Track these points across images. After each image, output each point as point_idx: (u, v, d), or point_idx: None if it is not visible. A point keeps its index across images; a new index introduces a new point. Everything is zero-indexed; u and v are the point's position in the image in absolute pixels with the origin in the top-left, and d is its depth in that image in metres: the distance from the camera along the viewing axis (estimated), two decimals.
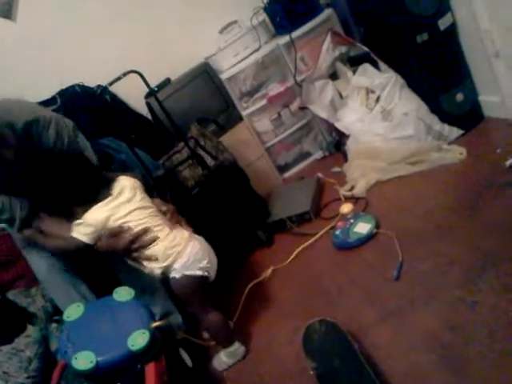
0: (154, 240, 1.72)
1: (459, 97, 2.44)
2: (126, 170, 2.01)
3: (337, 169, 2.82)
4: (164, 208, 1.85)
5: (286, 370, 1.74)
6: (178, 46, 3.01)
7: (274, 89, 3.02)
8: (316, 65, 2.80)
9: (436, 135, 2.43)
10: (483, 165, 2.16)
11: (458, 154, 2.30)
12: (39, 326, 1.90)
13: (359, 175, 2.54)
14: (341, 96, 2.82)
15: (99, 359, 1.43)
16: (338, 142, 2.99)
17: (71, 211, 1.71)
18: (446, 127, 2.45)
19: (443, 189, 2.21)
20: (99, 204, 1.70)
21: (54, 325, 1.95)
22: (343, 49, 2.78)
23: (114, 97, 2.79)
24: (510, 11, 2.02)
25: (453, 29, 2.35)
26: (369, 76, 2.61)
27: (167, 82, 2.91)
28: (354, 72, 2.70)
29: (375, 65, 2.60)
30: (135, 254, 1.74)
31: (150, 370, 1.49)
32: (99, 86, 2.64)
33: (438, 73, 2.42)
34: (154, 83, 2.58)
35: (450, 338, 1.48)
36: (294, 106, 3.09)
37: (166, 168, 2.50)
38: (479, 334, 1.43)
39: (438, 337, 1.51)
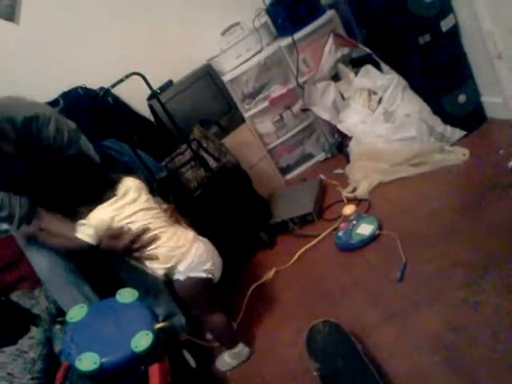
0: (153, 239, 1.72)
1: (461, 98, 2.44)
2: (128, 171, 2.02)
3: (339, 170, 2.82)
4: (164, 206, 1.87)
5: (289, 370, 1.74)
6: (181, 48, 3.01)
7: (276, 90, 3.02)
8: (318, 66, 2.81)
9: (438, 136, 2.43)
10: (486, 166, 2.16)
11: (460, 155, 2.30)
12: (43, 328, 1.90)
13: (362, 177, 2.54)
14: (343, 97, 2.82)
15: (103, 360, 1.43)
16: (340, 144, 2.99)
17: (75, 211, 1.72)
18: (449, 128, 2.45)
19: (446, 190, 2.21)
20: (104, 204, 1.70)
21: (57, 326, 1.96)
22: (345, 50, 2.79)
23: (116, 99, 2.79)
24: None
25: (455, 30, 2.35)
26: (371, 77, 2.61)
27: (169, 83, 2.91)
28: (356, 73, 2.70)
29: (377, 66, 2.60)
30: (136, 254, 1.75)
31: (154, 371, 1.49)
32: (102, 88, 2.65)
33: (440, 74, 2.42)
34: (156, 85, 2.59)
35: (453, 338, 1.48)
36: (296, 107, 3.09)
37: (168, 170, 2.51)
38: (482, 335, 1.43)
39: (441, 338, 1.51)
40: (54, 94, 2.64)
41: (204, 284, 1.78)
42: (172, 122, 2.47)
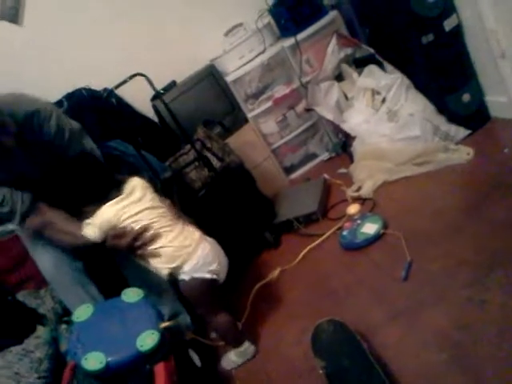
0: (155, 237, 1.72)
1: (466, 97, 2.43)
2: (134, 172, 2.02)
3: (343, 170, 2.82)
4: (167, 201, 1.87)
5: (294, 368, 1.74)
6: (184, 49, 3.02)
7: (280, 91, 3.03)
8: (321, 66, 2.81)
9: (443, 135, 2.42)
10: (490, 165, 2.16)
11: (464, 154, 2.30)
12: (49, 327, 1.91)
13: (366, 176, 2.54)
14: (346, 97, 2.82)
15: (109, 360, 1.44)
16: (344, 143, 2.99)
17: (81, 210, 1.72)
18: (453, 127, 2.45)
19: (450, 189, 2.21)
20: (110, 202, 1.71)
21: (63, 326, 1.96)
22: (348, 50, 2.79)
23: (120, 100, 2.80)
24: None
25: (458, 29, 2.35)
26: (374, 77, 2.62)
27: (173, 84, 2.92)
28: (360, 73, 2.70)
29: (381, 66, 2.61)
30: (139, 252, 1.75)
31: (160, 370, 1.50)
32: (105, 89, 2.66)
33: (444, 73, 2.42)
34: (159, 86, 2.59)
35: (459, 337, 1.48)
36: (300, 107, 3.09)
37: (172, 170, 2.51)
38: (488, 333, 1.43)
39: (446, 336, 1.50)
40: (57, 95, 2.65)
41: (209, 285, 1.78)
42: (176, 123, 2.48)
